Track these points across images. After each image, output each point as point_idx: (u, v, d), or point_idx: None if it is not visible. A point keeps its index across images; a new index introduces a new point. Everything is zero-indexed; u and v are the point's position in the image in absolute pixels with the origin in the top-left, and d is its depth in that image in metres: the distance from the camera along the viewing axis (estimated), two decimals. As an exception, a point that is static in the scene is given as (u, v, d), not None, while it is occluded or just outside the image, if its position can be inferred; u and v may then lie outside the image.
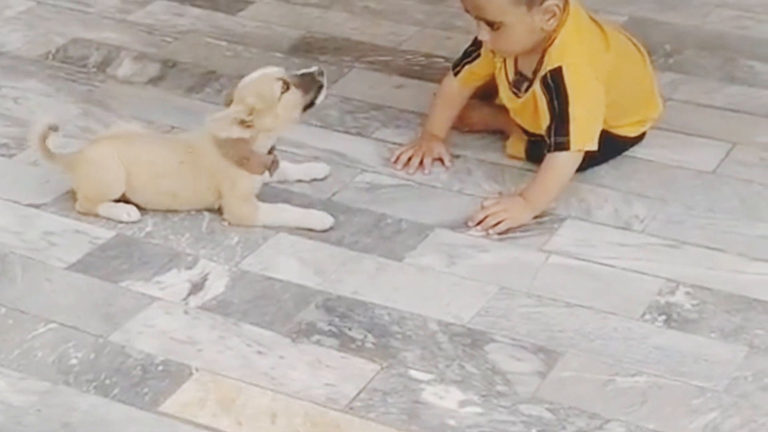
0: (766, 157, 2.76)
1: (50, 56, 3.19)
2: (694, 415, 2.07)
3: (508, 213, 2.53)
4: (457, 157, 2.76)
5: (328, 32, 3.29)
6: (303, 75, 2.50)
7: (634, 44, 2.74)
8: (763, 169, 2.71)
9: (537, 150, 2.65)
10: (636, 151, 2.76)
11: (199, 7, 3.44)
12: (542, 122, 2.57)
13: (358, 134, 2.86)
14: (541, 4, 2.49)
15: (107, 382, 2.13)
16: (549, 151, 2.54)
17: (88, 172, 2.54)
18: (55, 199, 2.61)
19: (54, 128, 2.54)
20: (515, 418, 2.06)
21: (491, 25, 2.53)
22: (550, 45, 2.55)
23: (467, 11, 2.57)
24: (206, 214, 2.57)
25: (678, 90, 3.00)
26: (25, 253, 2.46)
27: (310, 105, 2.51)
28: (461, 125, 2.82)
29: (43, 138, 2.53)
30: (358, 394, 2.11)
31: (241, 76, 2.94)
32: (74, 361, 2.18)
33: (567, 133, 2.52)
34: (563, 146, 2.52)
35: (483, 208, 2.55)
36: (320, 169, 2.69)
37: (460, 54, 2.77)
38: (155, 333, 2.25)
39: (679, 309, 2.31)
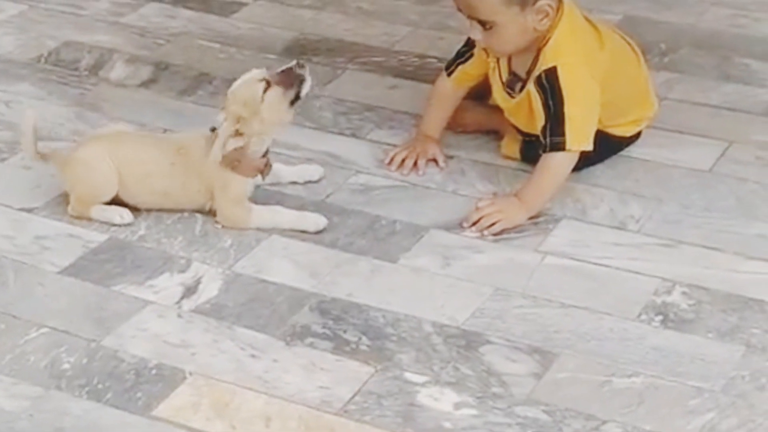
0: (762, 155, 2.75)
1: (42, 59, 3.18)
2: (691, 416, 2.05)
3: (503, 214, 2.51)
4: (452, 157, 2.75)
5: (321, 33, 3.28)
6: (282, 71, 2.47)
7: (629, 43, 2.72)
8: (759, 168, 2.70)
9: (532, 150, 2.64)
10: (631, 150, 2.75)
11: (192, 9, 3.42)
12: (537, 122, 2.56)
13: (352, 135, 2.84)
14: (533, 4, 2.48)
15: (100, 386, 2.12)
16: (544, 151, 2.53)
17: (79, 173, 2.52)
18: (48, 203, 2.60)
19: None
20: (511, 420, 2.05)
21: (483, 24, 2.52)
22: (544, 45, 2.53)
23: (460, 10, 2.56)
24: (199, 216, 2.56)
25: (673, 89, 2.99)
26: (18, 258, 2.44)
27: (295, 99, 2.48)
28: (455, 126, 2.81)
29: (34, 134, 2.51)
30: (352, 397, 2.10)
31: (234, 79, 2.94)
32: (67, 366, 2.16)
33: (562, 134, 2.50)
34: (559, 146, 2.51)
35: (478, 209, 2.53)
36: (314, 171, 2.67)
37: (453, 54, 2.75)
38: (148, 337, 2.24)
39: (676, 309, 2.29)
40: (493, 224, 2.50)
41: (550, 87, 2.51)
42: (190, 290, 2.35)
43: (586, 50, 2.56)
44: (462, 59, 2.72)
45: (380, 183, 2.67)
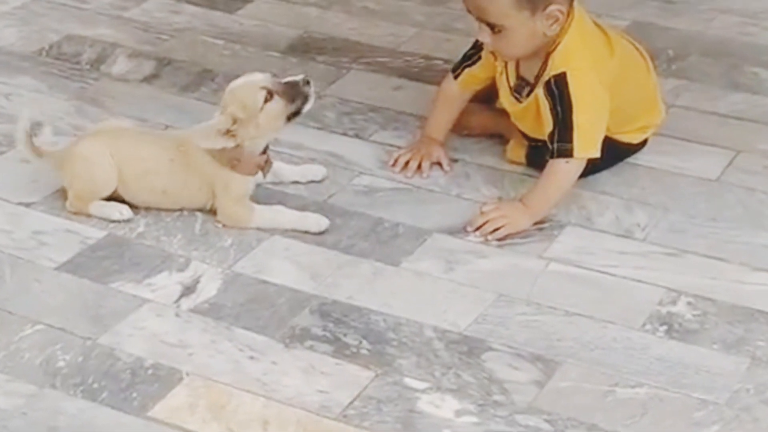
0: (770, 165, 2.72)
1: (44, 52, 3.14)
2: (696, 428, 2.02)
3: (508, 219, 2.48)
4: (456, 161, 2.72)
5: (326, 32, 3.25)
6: (288, 84, 2.44)
7: (638, 50, 2.69)
8: (766, 178, 2.67)
9: (537, 155, 2.60)
10: (638, 157, 2.72)
11: (196, 4, 3.39)
12: (544, 128, 2.53)
13: (356, 136, 2.81)
14: (544, 9, 2.45)
15: (95, 385, 2.08)
16: (551, 157, 2.50)
17: (78, 169, 2.49)
18: (46, 198, 2.56)
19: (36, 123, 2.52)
20: (512, 428, 2.02)
21: (493, 27, 2.49)
22: (553, 50, 2.50)
23: (469, 12, 2.53)
24: (199, 215, 2.52)
25: (681, 96, 2.96)
26: (14, 253, 2.41)
27: (295, 114, 2.45)
28: (460, 129, 2.78)
29: (29, 134, 2.49)
30: (352, 401, 2.06)
31: (237, 76, 2.90)
32: (62, 364, 2.13)
33: (570, 140, 2.47)
34: (566, 153, 2.48)
35: (482, 213, 2.50)
36: (317, 171, 2.64)
37: (460, 57, 2.72)
38: (145, 336, 2.20)
39: (681, 319, 2.26)
40: (497, 229, 2.47)
41: (558, 93, 2.48)
42: (188, 289, 2.32)
43: (596, 56, 2.53)
44: (469, 62, 2.68)
45: (384, 185, 2.64)
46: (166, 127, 2.81)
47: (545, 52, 2.52)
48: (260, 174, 2.50)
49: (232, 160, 2.44)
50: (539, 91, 2.53)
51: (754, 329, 2.23)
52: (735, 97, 2.97)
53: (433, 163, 2.69)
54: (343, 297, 2.31)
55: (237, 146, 2.43)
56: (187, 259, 2.40)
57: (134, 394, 2.07)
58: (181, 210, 2.52)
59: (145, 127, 2.75)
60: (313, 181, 2.62)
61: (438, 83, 2.81)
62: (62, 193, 2.54)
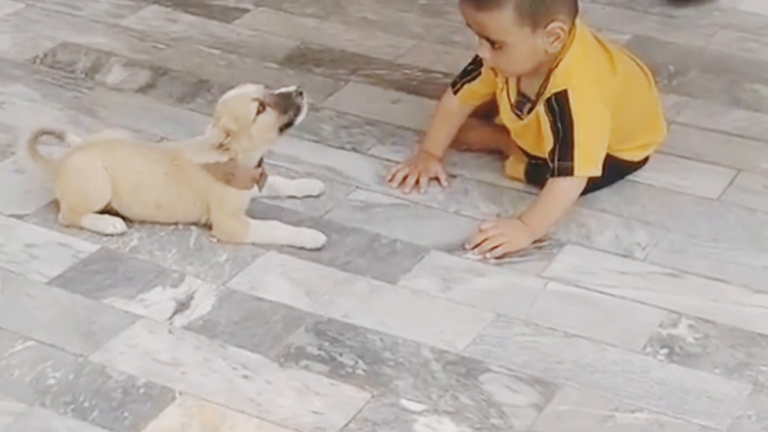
0: (772, 185, 2.69)
1: (38, 60, 3.11)
2: (697, 455, 2.00)
3: (507, 237, 2.45)
4: (455, 176, 2.68)
5: (323, 43, 3.21)
6: (280, 95, 2.40)
7: (640, 66, 2.66)
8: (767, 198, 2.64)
9: (537, 172, 2.57)
10: (638, 175, 2.69)
11: (193, 13, 3.35)
12: (545, 145, 2.50)
13: (353, 150, 2.78)
14: (545, 26, 2.42)
15: (86, 404, 2.05)
16: (552, 175, 2.47)
17: (71, 181, 2.45)
18: (38, 210, 2.52)
19: (48, 133, 2.50)
20: (510, 453, 1.99)
21: (493, 43, 2.46)
22: (555, 67, 2.47)
23: (469, 26, 2.50)
24: (194, 229, 2.49)
25: (681, 113, 2.93)
26: (5, 266, 2.37)
27: (287, 126, 2.41)
28: (459, 144, 2.74)
29: (35, 138, 2.46)
30: (347, 423, 2.03)
31: (233, 86, 2.87)
32: (52, 381, 2.09)
33: (571, 158, 2.44)
34: (567, 171, 2.45)
35: (480, 231, 2.47)
36: (314, 185, 2.60)
37: (460, 71, 2.69)
38: (138, 353, 2.17)
39: (682, 342, 2.23)
40: (495, 247, 2.44)
41: (560, 110, 2.45)
42: (182, 306, 2.29)
43: (598, 74, 2.50)
44: (469, 77, 2.65)
45: (381, 200, 2.61)
46: (161, 138, 2.77)
47: (547, 68, 2.49)
48: (256, 188, 2.46)
49: (226, 174, 2.41)
50: (540, 108, 2.50)
51: (756, 353, 2.20)
52: (736, 114, 2.94)
53: (431, 179, 2.65)
54: (339, 315, 2.28)
55: (231, 160, 2.39)
56: (181, 275, 2.36)
57: (126, 414, 2.03)
58: (175, 224, 2.48)
59: (139, 138, 2.71)
60: (310, 196, 2.59)
61: (437, 97, 2.77)
62: (55, 205, 2.51)
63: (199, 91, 2.99)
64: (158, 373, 2.12)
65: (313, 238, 2.44)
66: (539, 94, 2.51)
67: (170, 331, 2.22)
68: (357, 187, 2.65)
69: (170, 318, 2.25)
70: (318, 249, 2.43)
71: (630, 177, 2.68)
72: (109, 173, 2.44)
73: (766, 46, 3.26)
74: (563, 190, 2.48)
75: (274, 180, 2.54)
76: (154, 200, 2.45)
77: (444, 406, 2.07)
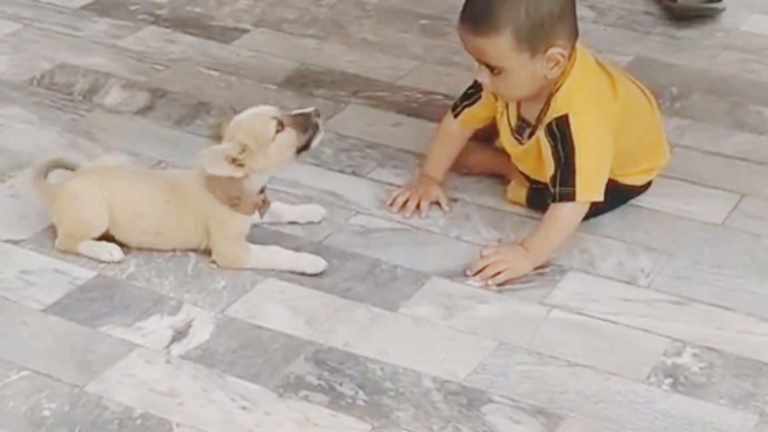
0: (776, 210, 2.66)
1: (35, 82, 3.08)
2: (702, 489, 1.96)
3: (508, 263, 2.42)
4: (456, 200, 2.66)
5: (323, 65, 3.19)
6: (299, 115, 2.39)
7: (642, 90, 2.64)
8: (772, 223, 2.62)
9: (539, 197, 2.55)
10: (641, 199, 2.66)
11: (192, 34, 3.33)
12: (546, 170, 2.47)
13: (353, 174, 2.75)
14: (544, 51, 2.39)
15: (82, 436, 2.02)
16: (553, 201, 2.44)
17: (69, 207, 2.42)
18: (35, 235, 2.49)
19: (61, 165, 2.49)
20: (513, 486, 1.96)
21: (492, 69, 2.43)
22: (556, 91, 2.45)
23: (468, 52, 2.48)
24: (192, 255, 2.46)
25: (684, 136, 2.90)
26: (0, 293, 2.33)
27: (304, 147, 2.40)
28: (460, 168, 2.71)
29: (49, 167, 2.45)
30: (347, 456, 2.01)
31: (233, 108, 2.86)
32: (47, 413, 2.06)
33: (573, 184, 2.41)
34: (568, 197, 2.42)
35: (482, 257, 2.44)
36: (316, 211, 2.57)
37: (461, 95, 2.66)
38: (135, 384, 2.13)
39: (686, 372, 2.20)
40: (497, 273, 2.41)
41: (561, 135, 2.42)
42: (180, 334, 2.25)
43: (600, 99, 2.47)
44: (469, 101, 2.63)
45: (381, 225, 2.58)
46: (159, 162, 2.74)
47: (547, 93, 2.46)
48: (257, 214, 2.43)
49: (232, 198, 2.38)
50: (541, 133, 2.47)
51: (763, 384, 2.17)
52: (740, 137, 2.92)
53: (431, 203, 2.63)
54: (339, 344, 2.24)
55: (238, 181, 2.36)
56: (178, 302, 2.33)
57: (122, 446, 2.01)
58: (173, 250, 2.45)
59: (138, 162, 2.68)
60: (311, 222, 2.56)
61: (438, 119, 2.75)
62: (52, 231, 2.48)
63: (198, 113, 2.96)
64: (155, 404, 2.09)
65: (314, 263, 2.41)
66: (539, 119, 2.48)
67: (168, 361, 2.19)
68: (357, 211, 2.62)
69: (167, 347, 2.22)
70: (318, 274, 2.40)
71: (633, 202, 2.65)
72: (107, 201, 2.41)
73: (770, 68, 3.25)
74: (565, 215, 2.45)
75: (275, 206, 2.51)
76: (154, 228, 2.42)
77: (445, 438, 2.04)
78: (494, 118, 2.61)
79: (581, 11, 2.54)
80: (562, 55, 2.40)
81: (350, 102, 3.02)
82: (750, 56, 3.28)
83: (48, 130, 2.86)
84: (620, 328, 2.31)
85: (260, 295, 2.36)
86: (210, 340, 2.24)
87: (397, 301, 2.36)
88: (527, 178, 2.61)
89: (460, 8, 2.46)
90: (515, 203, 2.64)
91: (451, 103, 2.70)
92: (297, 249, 2.46)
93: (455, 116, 2.65)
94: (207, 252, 2.44)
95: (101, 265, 2.41)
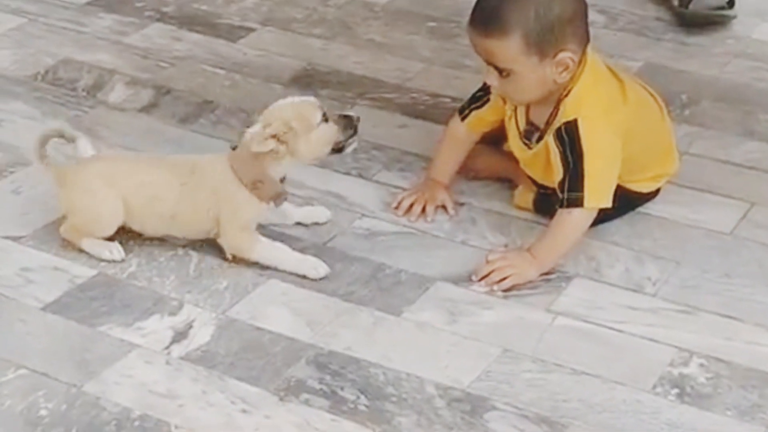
0: (786, 220, 2.63)
1: (39, 77, 3.05)
2: (708, 502, 1.93)
3: (515, 269, 2.39)
4: (462, 205, 2.62)
5: (330, 65, 3.16)
6: (342, 115, 2.42)
7: (653, 95, 2.61)
8: (782, 233, 2.58)
9: (546, 203, 2.52)
10: (649, 207, 2.63)
11: (198, 32, 3.30)
12: (554, 175, 2.44)
13: (359, 176, 2.72)
14: (554, 56, 2.36)
15: (78, 437, 1.99)
16: (561, 206, 2.41)
17: (82, 205, 2.38)
18: (36, 232, 2.47)
19: (60, 135, 2.42)
20: (516, 496, 1.93)
21: (500, 71, 2.41)
22: (565, 96, 2.42)
23: (477, 52, 2.45)
24: (194, 255, 2.43)
25: (694, 144, 2.87)
26: (-1, 290, 2.32)
27: (339, 149, 2.41)
28: (467, 171, 2.68)
29: (44, 143, 2.39)
30: (348, 462, 1.98)
31: (239, 107, 2.82)
32: (44, 413, 2.03)
33: (581, 189, 2.38)
34: (576, 203, 2.39)
35: (488, 262, 2.41)
36: (321, 213, 2.55)
37: (469, 97, 2.63)
38: (133, 384, 2.10)
39: (693, 382, 2.17)
40: (503, 279, 2.38)
41: (569, 140, 2.39)
42: (180, 335, 2.23)
43: (609, 104, 2.44)
44: (477, 104, 2.60)
45: (386, 228, 2.55)
46: (163, 160, 2.72)
47: (556, 97, 2.44)
48: (267, 209, 2.40)
49: (255, 182, 2.36)
50: (549, 138, 2.44)
51: (770, 396, 2.15)
52: (749, 145, 2.88)
53: (437, 207, 2.60)
54: (340, 348, 2.21)
55: (264, 166, 2.34)
56: (179, 302, 2.31)
57: (119, 448, 1.98)
58: (175, 249, 2.42)
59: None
60: (316, 223, 2.53)
61: (445, 122, 2.72)
62: (53, 228, 2.45)
63: (202, 111, 2.93)
64: (154, 405, 2.06)
65: (315, 268, 2.38)
66: (548, 124, 2.45)
67: (167, 362, 2.16)
68: (362, 214, 2.59)
69: (167, 347, 2.19)
70: (318, 279, 2.37)
71: (641, 209, 2.62)
72: (122, 190, 2.37)
73: (780, 76, 3.21)
74: (572, 221, 2.42)
75: (282, 206, 2.48)
76: (169, 212, 2.38)
77: (448, 446, 2.02)
78: (502, 122, 2.59)
79: (591, 16, 2.50)
80: (572, 60, 2.37)
81: (356, 103, 2.99)
82: (761, 64, 3.25)
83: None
84: (626, 336, 2.28)
85: (262, 297, 2.33)
86: (211, 342, 2.21)
87: (400, 306, 2.33)
88: (535, 182, 2.58)
89: (470, 10, 2.43)
90: (522, 209, 2.61)
91: (459, 106, 2.67)
92: (300, 251, 2.43)
93: (462, 119, 2.62)
94: (213, 244, 2.40)
95: (102, 264, 2.39)
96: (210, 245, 2.43)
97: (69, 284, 2.34)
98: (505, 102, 2.54)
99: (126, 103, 2.96)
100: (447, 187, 2.63)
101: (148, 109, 2.95)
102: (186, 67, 3.13)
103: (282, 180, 2.42)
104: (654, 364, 2.21)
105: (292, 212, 2.52)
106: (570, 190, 2.40)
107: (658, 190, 2.63)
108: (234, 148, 2.39)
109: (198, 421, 2.03)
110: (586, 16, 2.44)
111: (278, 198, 2.41)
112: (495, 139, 2.67)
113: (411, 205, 2.59)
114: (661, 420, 2.08)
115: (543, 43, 2.36)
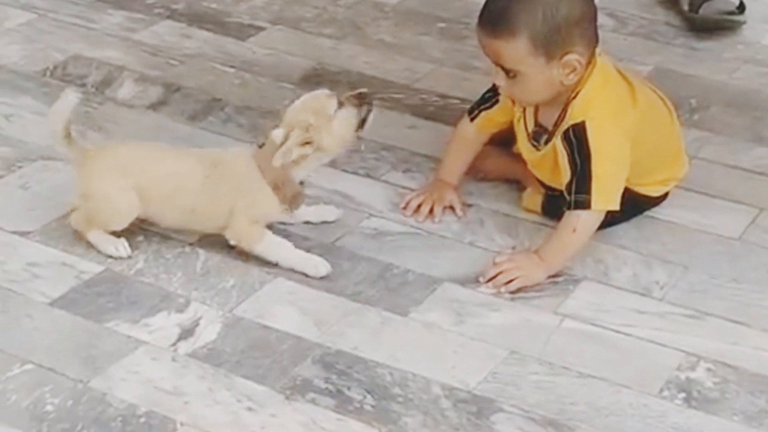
0: (794, 225, 2.62)
1: (48, 72, 3.05)
2: (714, 507, 1.93)
3: (522, 271, 2.38)
4: (470, 206, 2.62)
5: (340, 65, 3.15)
6: (353, 94, 2.42)
7: (662, 99, 2.60)
8: (790, 239, 2.58)
9: (554, 205, 2.51)
10: (658, 211, 2.62)
11: (208, 30, 3.29)
12: (562, 177, 2.43)
13: (367, 176, 2.71)
14: (560, 58, 2.36)
15: (84, 433, 1.99)
16: (569, 209, 2.40)
17: (99, 192, 2.36)
18: (43, 227, 2.46)
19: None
20: (521, 498, 1.92)
21: (508, 72, 2.40)
22: (573, 97, 2.41)
23: (486, 53, 2.44)
24: (201, 252, 2.42)
25: (703, 148, 2.86)
26: (6, 285, 2.31)
27: (362, 124, 2.41)
28: (475, 172, 2.68)
29: (68, 118, 2.35)
30: (353, 461, 1.97)
31: (247, 106, 2.82)
32: (50, 408, 2.03)
33: (588, 192, 2.38)
34: (584, 205, 2.39)
35: (495, 264, 2.40)
36: (331, 212, 2.54)
37: (478, 98, 2.63)
38: (140, 381, 2.10)
39: (700, 387, 2.16)
40: (510, 281, 2.37)
41: (577, 142, 2.39)
42: (187, 332, 2.22)
43: (618, 106, 2.44)
44: (487, 105, 2.59)
45: (394, 228, 2.54)
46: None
47: (565, 99, 2.43)
48: (282, 213, 2.41)
49: (276, 181, 2.36)
50: (557, 140, 2.43)
51: (777, 402, 2.14)
52: (759, 151, 2.87)
53: (445, 208, 2.59)
54: (347, 347, 2.21)
55: (287, 169, 2.35)
56: (186, 300, 2.30)
57: (124, 444, 1.97)
58: (182, 246, 2.42)
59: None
60: (326, 222, 2.52)
61: (454, 124, 2.71)
62: (60, 223, 2.45)
63: (211, 109, 2.93)
64: (160, 402, 2.05)
65: (316, 266, 2.38)
66: (557, 125, 2.45)
67: (174, 359, 2.16)
68: (370, 214, 2.58)
69: (174, 344, 2.19)
70: (322, 278, 2.36)
71: (649, 213, 2.61)
72: (144, 179, 2.35)
73: (790, 83, 3.21)
74: (580, 224, 2.41)
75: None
76: (190, 205, 2.37)
77: (454, 447, 2.01)
78: (511, 123, 2.58)
79: (601, 19, 2.50)
80: (579, 63, 2.37)
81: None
82: (771, 71, 3.25)
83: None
84: (633, 340, 2.27)
85: (269, 296, 2.33)
86: (217, 340, 2.21)
87: (407, 306, 2.32)
88: (543, 184, 2.57)
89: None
90: (530, 212, 2.60)
91: (468, 107, 2.67)
92: (307, 250, 2.43)
93: (471, 120, 2.62)
94: (220, 242, 2.40)
95: (109, 260, 2.38)
96: (217, 243, 2.43)
97: (76, 280, 2.33)
98: (514, 103, 2.54)
99: (135, 100, 2.96)
100: (455, 188, 2.62)
101: (156, 106, 2.94)
102: (195, 64, 3.13)
103: (302, 183, 2.41)
104: (661, 368, 2.20)
105: (301, 211, 2.51)
106: (577, 192, 2.39)
107: (666, 194, 2.63)
108: (261, 146, 2.38)
109: (204, 418, 2.03)
110: (595, 18, 2.44)
111: (296, 201, 2.41)
112: (504, 140, 2.67)
113: (419, 206, 2.58)
114: (668, 424, 2.08)
115: (550, 45, 2.35)
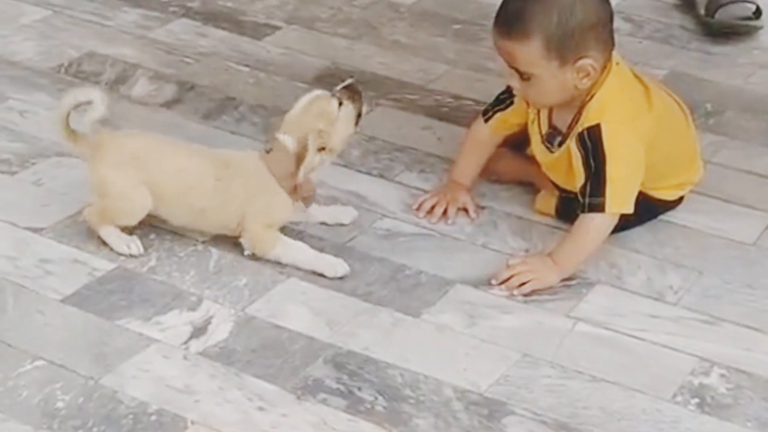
0: (809, 232, 2.61)
1: (62, 69, 3.05)
2: None
3: (535, 274, 2.37)
4: (484, 208, 2.61)
5: (354, 65, 3.15)
6: (345, 88, 2.42)
7: (678, 103, 2.59)
8: (805, 246, 2.56)
9: (568, 208, 2.50)
10: (672, 215, 2.61)
11: (223, 29, 3.29)
12: (576, 180, 2.42)
13: (380, 176, 2.71)
14: (574, 62, 2.35)
15: (95, 430, 1.98)
16: (582, 211, 2.39)
17: (107, 195, 2.36)
18: (56, 224, 2.46)
19: (77, 104, 2.38)
20: (532, 502, 1.91)
21: (521, 74, 2.40)
22: (589, 100, 2.40)
23: (500, 54, 2.44)
24: (214, 251, 2.42)
25: (718, 153, 2.85)
26: (18, 281, 2.31)
27: (358, 117, 2.42)
28: (489, 174, 2.67)
29: (66, 115, 2.36)
30: (364, 462, 1.96)
31: (262, 105, 2.81)
32: (61, 404, 2.03)
33: (602, 195, 2.37)
34: (598, 208, 2.37)
35: (508, 266, 2.40)
36: (347, 213, 2.54)
37: (493, 99, 2.62)
38: (151, 379, 2.10)
39: (713, 392, 2.15)
40: (523, 284, 2.36)
41: (592, 145, 2.38)
42: (199, 331, 2.22)
43: (634, 110, 2.43)
44: (501, 106, 2.59)
45: (407, 230, 2.54)
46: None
47: (579, 102, 2.42)
48: (296, 213, 2.42)
49: (291, 184, 2.36)
50: (571, 142, 2.42)
51: (791, 409, 2.13)
52: (774, 157, 2.87)
53: (459, 209, 2.58)
54: (359, 348, 2.20)
55: (296, 171, 2.35)
56: (199, 298, 2.30)
57: (135, 442, 1.97)
58: (195, 244, 2.42)
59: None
60: (341, 224, 2.52)
61: (468, 125, 2.71)
62: (73, 220, 2.45)
63: (225, 108, 2.93)
64: (171, 400, 2.05)
65: (333, 267, 2.37)
66: (571, 128, 2.44)
67: (185, 357, 2.15)
68: (383, 214, 2.58)
69: (186, 343, 2.19)
70: (336, 279, 2.36)
71: (663, 217, 2.60)
72: (157, 174, 2.35)
73: (806, 88, 3.19)
74: (594, 227, 2.40)
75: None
76: (200, 204, 2.37)
77: (465, 449, 2.00)
78: (525, 125, 2.57)
79: (617, 23, 2.49)
80: (593, 67, 2.36)
81: (380, 104, 2.98)
82: (787, 76, 3.23)
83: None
84: (647, 344, 2.26)
85: (281, 295, 2.32)
86: (229, 338, 2.21)
87: (419, 308, 2.32)
88: (557, 186, 2.57)
89: (495, 13, 2.42)
90: (544, 214, 2.59)
91: (482, 108, 2.66)
92: (320, 250, 2.42)
93: (486, 121, 2.61)
94: (233, 241, 2.39)
95: (121, 257, 2.38)
96: (229, 242, 2.43)
97: (88, 277, 2.33)
98: (528, 105, 2.53)
99: (149, 98, 2.96)
100: (469, 190, 2.62)
101: (170, 104, 2.94)
102: (210, 63, 3.13)
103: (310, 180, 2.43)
104: (674, 373, 2.19)
105: (316, 212, 2.51)
106: (591, 195, 2.38)
107: (681, 199, 2.62)
108: (268, 151, 2.38)
109: (214, 417, 2.03)
110: (610, 22, 2.43)
111: (308, 200, 2.41)
112: (518, 142, 2.66)
113: (432, 207, 2.58)
114: (681, 429, 2.07)
115: (563, 49, 2.34)
